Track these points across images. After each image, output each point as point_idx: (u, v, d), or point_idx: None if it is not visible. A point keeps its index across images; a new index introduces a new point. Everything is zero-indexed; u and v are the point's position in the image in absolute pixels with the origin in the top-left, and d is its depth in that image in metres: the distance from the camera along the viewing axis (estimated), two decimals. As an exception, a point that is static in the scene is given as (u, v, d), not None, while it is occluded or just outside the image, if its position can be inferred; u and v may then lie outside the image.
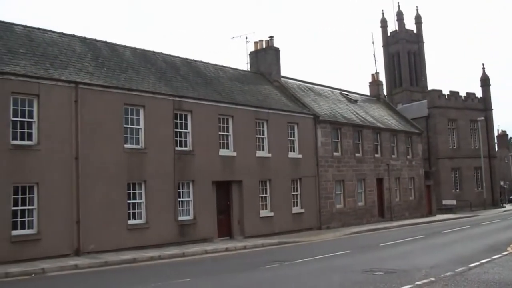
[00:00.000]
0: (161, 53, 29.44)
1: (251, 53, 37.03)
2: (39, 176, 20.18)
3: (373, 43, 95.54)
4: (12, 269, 17.07)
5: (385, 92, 61.33)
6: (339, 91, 43.87)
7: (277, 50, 36.52)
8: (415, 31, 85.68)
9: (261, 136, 29.48)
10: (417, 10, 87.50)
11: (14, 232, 19.26)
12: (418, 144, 46.27)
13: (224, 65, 33.43)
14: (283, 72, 37.04)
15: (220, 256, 21.44)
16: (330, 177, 34.12)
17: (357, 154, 37.39)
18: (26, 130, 20.27)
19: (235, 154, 27.37)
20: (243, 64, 79.39)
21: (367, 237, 28.26)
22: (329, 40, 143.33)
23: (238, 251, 23.23)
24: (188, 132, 25.42)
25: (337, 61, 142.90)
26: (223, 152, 26.91)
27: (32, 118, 20.42)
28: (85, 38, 26.14)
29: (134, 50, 27.92)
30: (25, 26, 24.04)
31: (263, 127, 29.62)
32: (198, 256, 21.43)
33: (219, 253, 22.34)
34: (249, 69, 36.52)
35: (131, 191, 23.02)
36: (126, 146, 22.95)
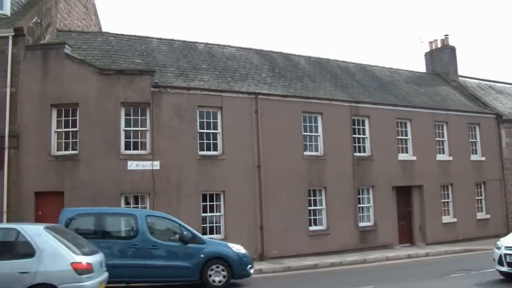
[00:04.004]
0: (335, 60, 29.55)
1: (426, 54, 35.91)
2: (225, 184, 21.24)
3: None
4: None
5: None
6: (524, 88, 40.99)
7: (453, 49, 35.03)
8: None
9: (441, 138, 28.40)
10: None
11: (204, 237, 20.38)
12: None
13: (399, 67, 32.79)
14: (460, 71, 35.47)
15: (402, 263, 21.00)
16: (518, 180, 31.96)
17: (548, 155, 34.61)
18: (211, 141, 21.44)
19: (414, 158, 26.63)
20: (417, 65, 77.45)
21: None
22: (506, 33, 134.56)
23: (420, 258, 22.59)
24: (366, 137, 25.25)
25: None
26: (402, 156, 26.33)
27: (216, 129, 21.55)
28: (261, 50, 27.07)
29: (308, 58, 28.33)
30: (206, 43, 25.50)
31: (442, 129, 28.55)
32: (379, 263, 21.18)
33: (401, 260, 21.90)
34: (424, 70, 35.47)
35: (312, 198, 23.36)
36: (306, 153, 23.34)
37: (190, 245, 15.48)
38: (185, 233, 15.71)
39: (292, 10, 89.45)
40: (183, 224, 16.09)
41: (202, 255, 15.38)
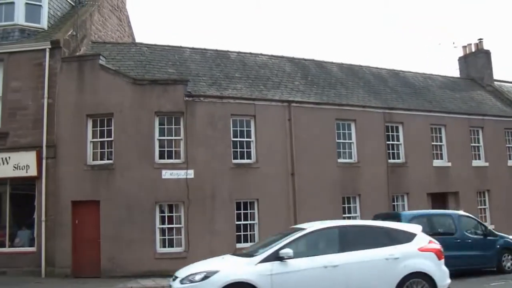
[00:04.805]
0: (368, 66, 29.39)
1: (460, 58, 35.43)
2: (259, 192, 21.27)
3: None
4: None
5: None
6: (561, 92, 40.16)
7: (487, 53, 34.47)
8: None
9: (477, 144, 27.99)
10: None
11: (238, 245, 20.38)
12: None
13: (433, 73, 32.43)
14: (496, 75, 34.90)
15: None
16: (557, 186, 31.24)
17: None
18: (245, 150, 21.52)
19: (449, 164, 26.27)
20: (450, 70, 76.44)
21: None
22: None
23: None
24: (400, 144, 25.03)
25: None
26: (437, 162, 25.99)
27: (250, 137, 21.63)
28: (293, 58, 27.07)
29: (341, 65, 28.22)
30: (239, 52, 25.61)
31: (478, 134, 28.11)
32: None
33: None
34: (458, 75, 35.02)
35: (346, 205, 23.25)
36: (339, 160, 23.25)
37: (488, 238, 18.62)
38: (487, 228, 19.07)
39: (290, 10, 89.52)
40: (480, 221, 19.57)
41: (497, 246, 18.53)
